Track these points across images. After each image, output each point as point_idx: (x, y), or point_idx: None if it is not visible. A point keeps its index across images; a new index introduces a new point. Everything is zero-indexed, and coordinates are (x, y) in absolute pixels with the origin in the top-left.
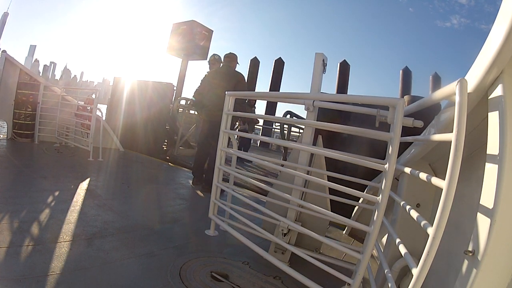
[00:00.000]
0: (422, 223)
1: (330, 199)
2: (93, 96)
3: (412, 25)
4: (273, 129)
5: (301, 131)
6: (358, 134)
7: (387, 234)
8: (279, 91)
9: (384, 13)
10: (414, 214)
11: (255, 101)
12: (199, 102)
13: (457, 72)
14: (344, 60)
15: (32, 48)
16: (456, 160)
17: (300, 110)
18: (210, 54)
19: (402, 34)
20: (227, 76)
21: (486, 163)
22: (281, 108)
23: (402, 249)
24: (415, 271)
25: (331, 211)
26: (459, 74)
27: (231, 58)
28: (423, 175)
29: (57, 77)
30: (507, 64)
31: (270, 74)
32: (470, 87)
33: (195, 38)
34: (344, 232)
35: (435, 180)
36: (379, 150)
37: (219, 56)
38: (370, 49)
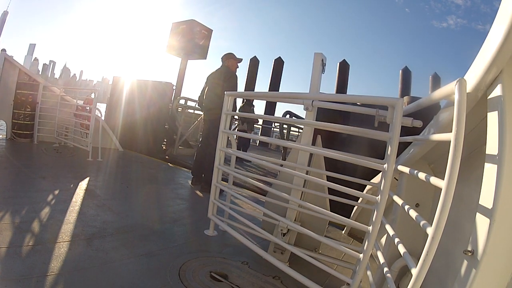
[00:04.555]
0: (421, 223)
1: (330, 199)
2: (92, 96)
3: (409, 26)
4: (272, 129)
5: (300, 130)
6: (357, 134)
7: (386, 234)
8: (278, 90)
9: (381, 14)
10: (413, 214)
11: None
12: (200, 103)
13: (456, 72)
14: (344, 59)
15: (32, 47)
16: (455, 160)
17: (299, 109)
18: (209, 54)
19: (400, 34)
20: (222, 75)
21: (485, 163)
22: (281, 108)
23: (402, 249)
24: (414, 271)
25: (330, 211)
26: (458, 74)
27: (226, 57)
28: (422, 175)
29: (57, 75)
30: (506, 64)
31: (270, 73)
32: (469, 87)
33: (195, 38)
34: (343, 232)
35: (434, 180)
36: (378, 150)
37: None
38: (369, 49)
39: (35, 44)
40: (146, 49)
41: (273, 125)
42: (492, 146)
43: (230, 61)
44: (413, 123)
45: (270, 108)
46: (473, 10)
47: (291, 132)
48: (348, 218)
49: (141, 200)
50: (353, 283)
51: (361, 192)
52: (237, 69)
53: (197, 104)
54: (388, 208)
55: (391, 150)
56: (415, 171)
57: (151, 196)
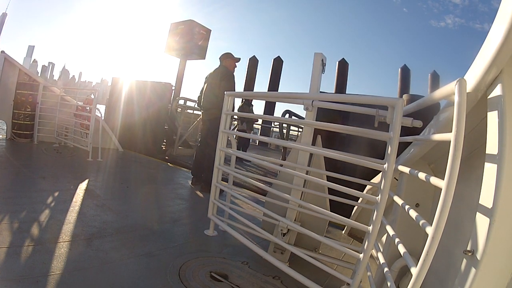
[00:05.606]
0: (421, 222)
1: (330, 199)
2: (92, 96)
3: (407, 25)
4: (271, 128)
5: (300, 130)
6: (357, 134)
7: (386, 234)
8: (277, 89)
9: (379, 14)
10: (413, 213)
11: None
12: (199, 103)
13: (454, 70)
14: (343, 58)
15: (31, 49)
16: (455, 160)
17: (299, 109)
18: (208, 54)
19: (398, 33)
20: (219, 75)
21: (485, 163)
22: (280, 107)
23: (402, 249)
24: (414, 271)
25: (330, 211)
26: (456, 73)
27: (224, 57)
28: (422, 175)
29: (56, 77)
30: (506, 64)
31: (269, 73)
32: (469, 87)
33: (194, 38)
34: (343, 232)
35: (434, 180)
36: (378, 150)
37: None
38: (368, 49)
39: (34, 45)
40: (145, 50)
41: (272, 125)
42: (492, 146)
43: (228, 60)
44: (413, 123)
45: (270, 107)
46: (471, 9)
47: (290, 131)
48: (348, 218)
49: (141, 200)
50: (353, 283)
51: (361, 192)
52: (236, 69)
53: (196, 104)
54: (388, 208)
55: (391, 150)
56: (415, 171)
57: (151, 196)
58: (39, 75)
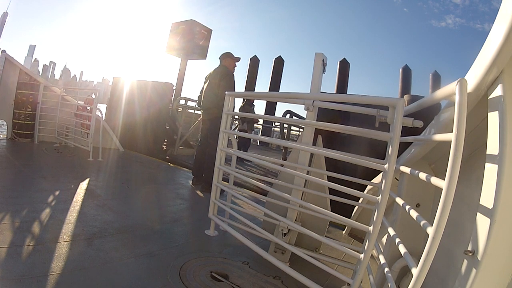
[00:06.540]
0: (422, 223)
1: (330, 199)
2: (93, 96)
3: (408, 25)
4: (272, 128)
5: (300, 130)
6: (358, 134)
7: (387, 234)
8: (279, 89)
9: (380, 13)
10: (413, 214)
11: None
12: (199, 102)
13: (455, 70)
14: (344, 58)
15: (32, 48)
16: (456, 160)
17: (300, 109)
18: (209, 54)
19: (399, 33)
20: (219, 75)
21: (486, 163)
22: (281, 107)
23: (402, 249)
24: (415, 271)
25: (331, 211)
26: (457, 73)
27: (223, 56)
28: (422, 175)
29: (57, 76)
30: (507, 64)
31: (270, 73)
32: (470, 87)
33: (194, 38)
34: (344, 232)
35: (435, 180)
36: (379, 150)
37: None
38: (369, 49)
39: (35, 45)
40: (146, 50)
41: (273, 124)
42: (492, 146)
43: (228, 60)
44: (414, 123)
45: (271, 107)
46: (471, 9)
47: (291, 131)
48: (349, 218)
49: (141, 200)
50: (354, 283)
51: (361, 192)
52: (236, 68)
53: (196, 104)
54: (389, 208)
55: (391, 150)
56: (416, 171)
57: (151, 196)
58: (40, 74)
